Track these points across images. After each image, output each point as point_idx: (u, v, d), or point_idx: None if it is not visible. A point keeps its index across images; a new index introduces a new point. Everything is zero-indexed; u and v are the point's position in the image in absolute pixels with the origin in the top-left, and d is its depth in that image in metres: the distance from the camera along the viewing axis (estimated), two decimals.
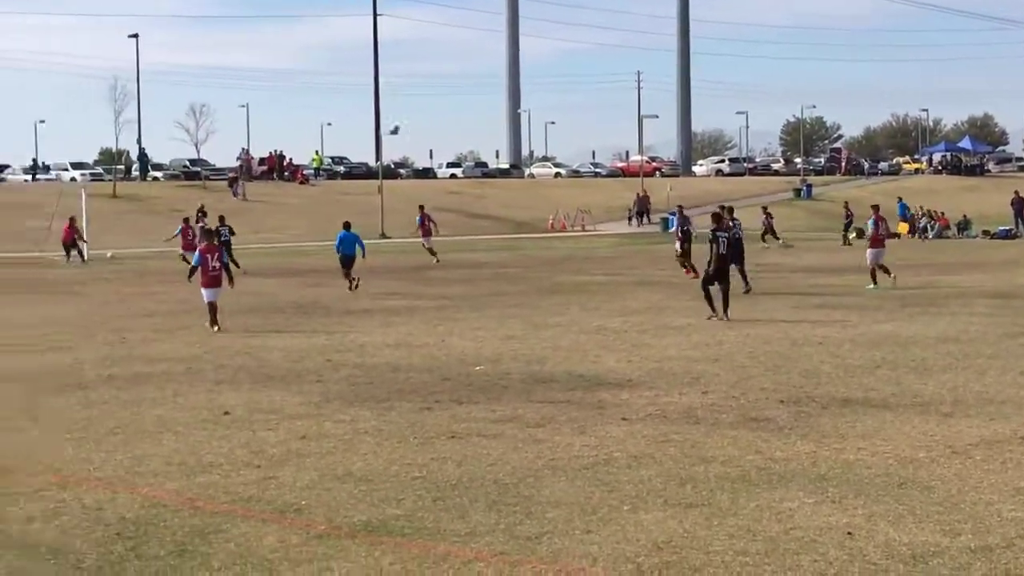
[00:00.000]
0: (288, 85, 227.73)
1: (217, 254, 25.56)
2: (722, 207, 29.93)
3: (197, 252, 26.24)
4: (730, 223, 28.74)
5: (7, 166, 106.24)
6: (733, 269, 27.77)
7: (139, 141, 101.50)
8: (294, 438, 13.88)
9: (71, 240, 50.62)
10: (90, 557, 9.44)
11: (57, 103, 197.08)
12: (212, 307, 24.91)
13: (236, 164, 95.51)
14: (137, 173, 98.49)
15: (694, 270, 34.98)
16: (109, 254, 50.84)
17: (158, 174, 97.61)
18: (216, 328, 24.51)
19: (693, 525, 10.03)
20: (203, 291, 25.19)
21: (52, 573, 9.08)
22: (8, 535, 9.99)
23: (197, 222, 45.23)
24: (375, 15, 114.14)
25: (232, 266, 39.89)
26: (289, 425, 14.64)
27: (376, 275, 39.69)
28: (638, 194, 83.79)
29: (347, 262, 34.73)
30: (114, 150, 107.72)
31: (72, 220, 51.57)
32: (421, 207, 48.90)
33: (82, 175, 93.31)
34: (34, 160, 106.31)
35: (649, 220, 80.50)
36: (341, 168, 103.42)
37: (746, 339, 22.00)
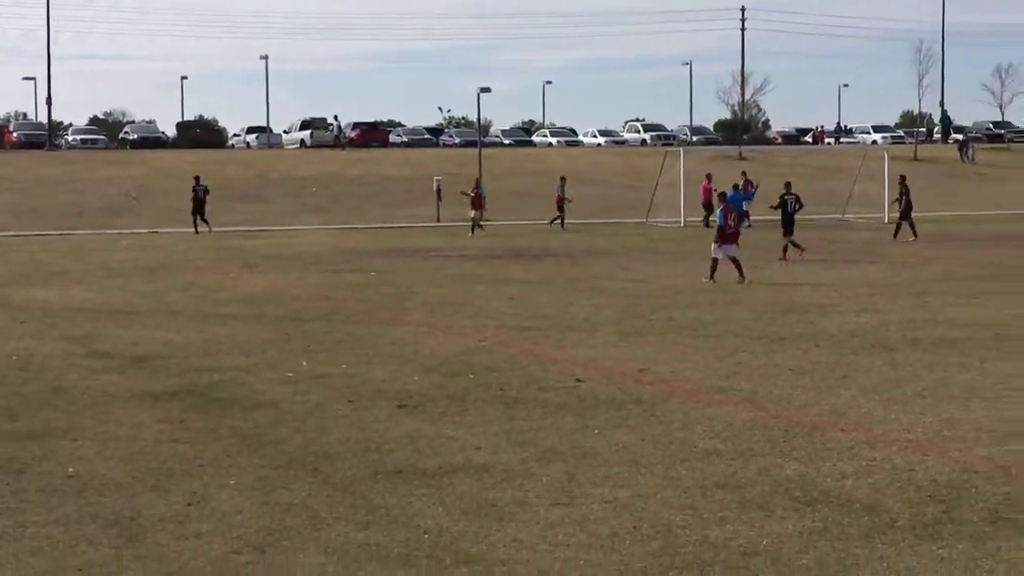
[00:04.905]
0: None
1: (735, 215, 28.50)
2: None
3: (719, 211, 27.88)
4: None
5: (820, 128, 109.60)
6: None
7: (941, 103, 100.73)
8: None
9: (708, 201, 45.58)
10: (903, 517, 9.62)
11: (860, 66, 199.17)
12: (715, 263, 27.03)
13: None
14: (938, 136, 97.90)
15: None
16: None
17: (959, 136, 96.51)
18: (706, 279, 26.81)
19: None
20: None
21: (866, 528, 9.35)
22: (823, 489, 10.41)
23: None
24: None
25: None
26: None
27: None
28: None
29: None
30: (915, 113, 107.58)
31: (708, 177, 48.20)
32: None
33: (883, 138, 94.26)
34: (838, 123, 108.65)
35: None
36: None
37: None
